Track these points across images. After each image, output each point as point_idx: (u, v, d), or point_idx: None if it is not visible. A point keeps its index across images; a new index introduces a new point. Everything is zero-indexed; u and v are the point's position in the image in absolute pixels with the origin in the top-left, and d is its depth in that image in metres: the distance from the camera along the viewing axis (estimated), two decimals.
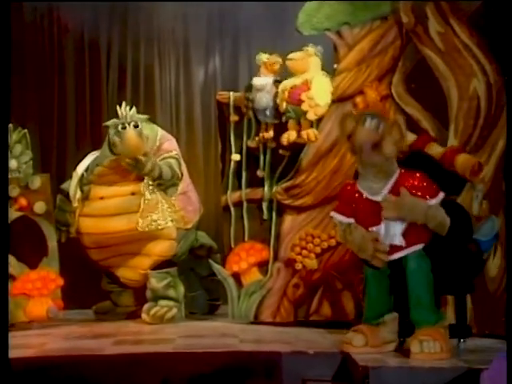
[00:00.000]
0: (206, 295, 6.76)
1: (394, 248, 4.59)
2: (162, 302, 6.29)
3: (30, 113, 7.66)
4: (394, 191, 4.55)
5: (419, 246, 4.58)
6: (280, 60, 6.24)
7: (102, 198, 6.31)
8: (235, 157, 6.34)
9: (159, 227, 6.23)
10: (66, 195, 6.44)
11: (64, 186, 6.52)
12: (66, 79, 7.80)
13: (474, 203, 4.90)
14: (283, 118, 6.02)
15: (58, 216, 6.48)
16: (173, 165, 6.33)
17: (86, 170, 6.39)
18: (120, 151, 6.17)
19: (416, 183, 4.55)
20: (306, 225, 6.00)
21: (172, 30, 7.98)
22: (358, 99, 5.92)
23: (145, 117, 6.38)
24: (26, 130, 6.50)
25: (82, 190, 6.36)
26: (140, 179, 6.25)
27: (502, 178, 5.26)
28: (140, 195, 6.24)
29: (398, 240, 4.56)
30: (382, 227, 4.58)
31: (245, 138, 6.33)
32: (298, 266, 5.96)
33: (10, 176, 6.00)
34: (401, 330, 4.76)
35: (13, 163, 6.25)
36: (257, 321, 6.03)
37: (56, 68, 7.78)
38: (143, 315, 6.27)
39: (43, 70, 7.77)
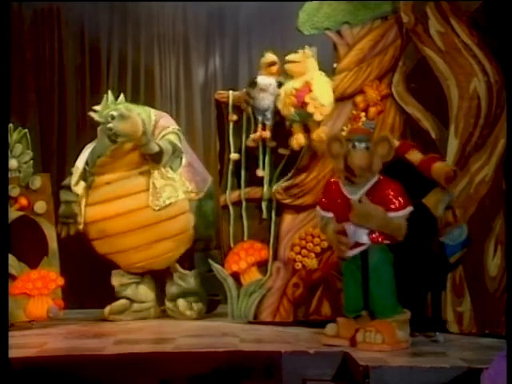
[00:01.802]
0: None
1: (357, 243, 4.87)
2: (191, 298, 6.47)
3: (30, 113, 7.67)
4: (370, 194, 4.84)
5: (384, 242, 4.86)
6: (276, 61, 6.20)
7: (108, 183, 6.35)
8: (234, 156, 6.32)
9: (172, 201, 6.30)
10: (68, 187, 6.41)
11: (65, 182, 6.50)
12: (66, 79, 7.81)
13: (439, 205, 5.04)
14: (287, 123, 5.96)
15: (63, 210, 6.40)
16: (172, 140, 6.40)
17: (86, 163, 6.39)
18: (122, 139, 6.20)
19: (389, 193, 4.84)
20: (305, 224, 6.01)
21: (172, 30, 7.98)
22: (359, 99, 5.93)
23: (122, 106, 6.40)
24: (26, 130, 6.49)
25: (85, 181, 6.38)
26: (145, 160, 6.32)
27: (502, 178, 5.27)
28: (147, 174, 6.33)
29: (364, 239, 4.85)
30: (351, 225, 4.86)
31: (244, 138, 6.31)
32: (298, 266, 5.97)
33: (10, 176, 6.02)
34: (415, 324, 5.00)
35: (13, 163, 6.24)
36: (256, 320, 6.03)
37: (56, 68, 7.78)
38: (188, 312, 6.41)
39: (43, 70, 7.77)
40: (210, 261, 6.39)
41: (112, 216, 6.28)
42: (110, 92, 6.51)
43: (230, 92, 6.39)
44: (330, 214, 4.99)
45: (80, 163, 6.42)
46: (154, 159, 6.30)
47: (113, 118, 6.23)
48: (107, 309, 6.45)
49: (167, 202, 6.31)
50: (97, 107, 6.44)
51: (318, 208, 5.13)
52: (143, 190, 6.31)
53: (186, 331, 5.66)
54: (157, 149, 6.24)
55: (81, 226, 6.37)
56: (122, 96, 6.53)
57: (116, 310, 6.47)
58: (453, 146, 5.44)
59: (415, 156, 5.22)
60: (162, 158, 6.29)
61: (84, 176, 6.38)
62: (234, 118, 6.31)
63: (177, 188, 6.37)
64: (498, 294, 5.20)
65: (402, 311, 4.89)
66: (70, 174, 6.54)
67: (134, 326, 6.06)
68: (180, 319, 6.42)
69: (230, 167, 6.33)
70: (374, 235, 4.83)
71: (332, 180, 5.12)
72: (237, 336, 5.32)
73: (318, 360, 4.63)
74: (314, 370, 4.60)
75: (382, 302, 4.84)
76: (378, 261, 4.83)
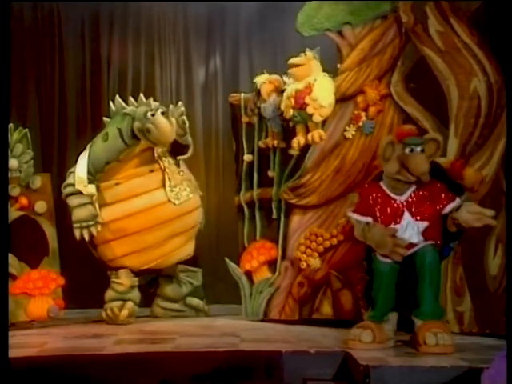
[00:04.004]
0: None
1: (410, 246, 4.80)
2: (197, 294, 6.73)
3: (31, 113, 7.68)
4: (416, 194, 4.86)
5: (432, 242, 4.82)
6: (276, 81, 6.26)
7: (117, 184, 6.25)
8: (247, 157, 6.42)
9: (190, 196, 6.35)
10: (76, 193, 6.16)
11: (68, 190, 6.19)
12: (67, 79, 7.81)
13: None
14: (290, 124, 6.04)
15: (81, 213, 6.09)
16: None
17: (88, 171, 6.18)
18: (155, 138, 6.06)
19: (439, 188, 4.89)
20: (311, 224, 6.05)
21: (173, 30, 7.99)
22: (359, 99, 5.93)
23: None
24: (26, 130, 6.50)
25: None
26: (154, 159, 6.29)
27: (502, 178, 5.26)
28: (159, 171, 6.29)
29: (417, 238, 4.80)
30: (402, 226, 4.82)
31: (256, 139, 6.41)
32: (303, 265, 5.99)
33: (10, 175, 6.03)
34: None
35: (14, 163, 6.25)
36: (266, 319, 6.09)
37: (56, 68, 7.78)
38: (206, 307, 6.65)
39: (43, 70, 7.78)
40: (227, 259, 6.46)
41: (132, 214, 6.18)
42: (142, 94, 6.37)
43: (242, 94, 6.53)
44: (369, 219, 4.90)
45: (81, 173, 6.17)
46: (182, 152, 6.33)
47: (154, 114, 6.04)
48: (124, 312, 6.17)
49: (190, 196, 6.35)
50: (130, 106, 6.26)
51: (351, 213, 5.02)
52: (159, 186, 6.26)
53: (186, 331, 5.65)
54: (190, 141, 6.34)
55: (99, 228, 6.13)
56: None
57: (133, 313, 6.25)
58: (453, 145, 5.42)
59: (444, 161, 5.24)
60: (189, 150, 6.36)
61: (88, 182, 6.19)
62: (247, 119, 6.46)
63: (189, 184, 6.41)
64: (498, 293, 5.19)
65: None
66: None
67: (133, 326, 6.05)
68: (193, 316, 6.50)
69: (244, 168, 6.46)
70: (427, 234, 4.79)
71: (370, 185, 5.08)
72: (238, 336, 5.33)
73: (318, 360, 4.63)
74: (315, 370, 4.60)
75: (435, 304, 4.79)
76: (434, 260, 4.78)
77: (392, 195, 4.89)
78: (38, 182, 6.39)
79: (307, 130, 5.96)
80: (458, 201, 4.85)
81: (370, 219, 4.90)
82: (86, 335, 5.54)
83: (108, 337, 5.41)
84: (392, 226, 4.83)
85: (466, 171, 5.22)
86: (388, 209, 4.87)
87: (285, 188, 6.11)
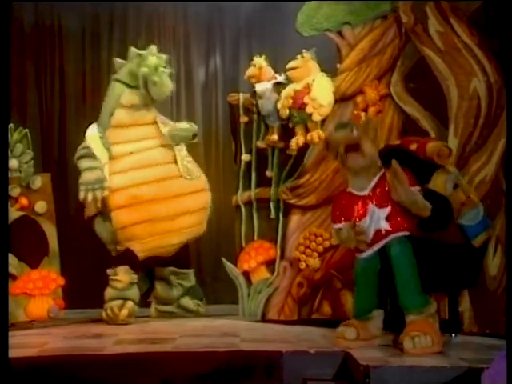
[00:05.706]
0: None
1: (379, 235, 4.78)
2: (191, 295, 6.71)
3: (31, 112, 7.68)
4: (379, 186, 4.84)
5: (402, 233, 4.78)
6: (259, 65, 6.33)
7: (131, 153, 6.34)
8: (245, 157, 6.43)
9: (199, 174, 6.47)
10: (88, 156, 6.25)
11: (81, 153, 6.29)
12: (67, 79, 7.82)
13: (447, 185, 4.94)
14: (290, 124, 6.07)
15: (88, 176, 6.15)
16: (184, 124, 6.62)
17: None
18: (154, 92, 6.33)
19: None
20: (310, 224, 6.06)
21: (172, 30, 8.00)
22: (359, 99, 5.94)
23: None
24: (27, 130, 6.51)
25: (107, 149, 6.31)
26: (163, 134, 6.40)
27: (502, 178, 5.26)
28: (169, 147, 6.40)
29: (383, 224, 4.78)
30: (367, 217, 4.82)
31: (254, 139, 6.41)
32: (302, 265, 6.00)
33: (11, 175, 6.04)
34: (396, 325, 4.91)
35: (14, 163, 6.26)
36: (264, 319, 6.09)
37: (56, 68, 7.79)
38: (201, 309, 6.62)
39: (44, 70, 7.78)
40: (223, 259, 6.46)
41: (146, 182, 6.25)
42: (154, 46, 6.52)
43: (241, 94, 6.54)
44: (342, 225, 4.92)
45: (91, 131, 6.36)
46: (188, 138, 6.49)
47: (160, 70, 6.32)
48: (124, 312, 6.18)
49: (199, 174, 6.47)
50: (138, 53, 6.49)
51: (334, 225, 5.05)
52: (171, 161, 6.38)
53: (186, 331, 5.66)
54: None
55: (106, 192, 6.17)
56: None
57: (132, 313, 6.25)
58: (452, 145, 5.40)
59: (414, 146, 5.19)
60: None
61: (102, 143, 6.30)
62: (245, 119, 6.47)
63: (196, 165, 6.54)
64: (498, 293, 5.20)
65: (430, 301, 4.80)
66: (71, 174, 6.50)
67: (134, 326, 6.06)
68: (189, 317, 6.49)
69: (242, 168, 6.47)
70: (393, 221, 4.77)
71: (338, 193, 5.14)
72: (238, 336, 5.33)
73: (318, 360, 4.63)
74: (315, 370, 4.59)
75: (410, 295, 4.73)
76: (400, 252, 4.74)
77: (357, 193, 4.90)
78: (38, 182, 6.39)
79: (306, 131, 5.98)
80: (416, 188, 4.78)
81: (345, 224, 4.90)
82: (86, 335, 5.54)
83: (108, 337, 5.41)
84: (358, 219, 4.84)
85: (428, 145, 5.07)
86: (356, 207, 4.89)
87: (283, 188, 6.13)
